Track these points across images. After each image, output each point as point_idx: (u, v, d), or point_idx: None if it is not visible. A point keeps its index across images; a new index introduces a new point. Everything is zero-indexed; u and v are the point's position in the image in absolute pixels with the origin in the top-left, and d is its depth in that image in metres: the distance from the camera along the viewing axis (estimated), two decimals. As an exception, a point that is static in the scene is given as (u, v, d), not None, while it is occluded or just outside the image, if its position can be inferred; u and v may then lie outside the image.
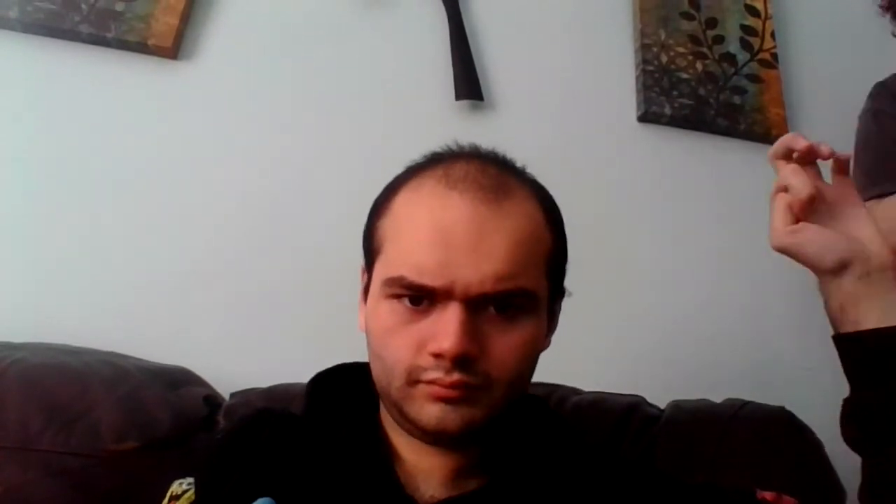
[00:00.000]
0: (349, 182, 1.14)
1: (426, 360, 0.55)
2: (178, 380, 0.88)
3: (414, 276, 0.55)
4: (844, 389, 1.09)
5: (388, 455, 0.62)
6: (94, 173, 1.08)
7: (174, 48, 1.16)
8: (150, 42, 1.13)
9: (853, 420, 0.67)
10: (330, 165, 1.16)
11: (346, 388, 0.66)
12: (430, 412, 0.55)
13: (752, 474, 0.82)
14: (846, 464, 0.86)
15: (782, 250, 0.67)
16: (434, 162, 0.62)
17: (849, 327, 0.66)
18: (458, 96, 1.21)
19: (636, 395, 0.96)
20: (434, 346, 0.54)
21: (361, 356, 0.65)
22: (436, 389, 0.55)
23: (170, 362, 0.91)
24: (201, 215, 1.09)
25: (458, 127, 1.21)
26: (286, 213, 1.11)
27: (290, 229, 1.10)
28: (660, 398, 0.96)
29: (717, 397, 0.95)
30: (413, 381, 0.56)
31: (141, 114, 1.13)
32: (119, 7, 1.14)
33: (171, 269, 1.05)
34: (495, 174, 0.60)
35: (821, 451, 0.87)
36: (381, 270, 0.59)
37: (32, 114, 1.10)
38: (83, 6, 1.13)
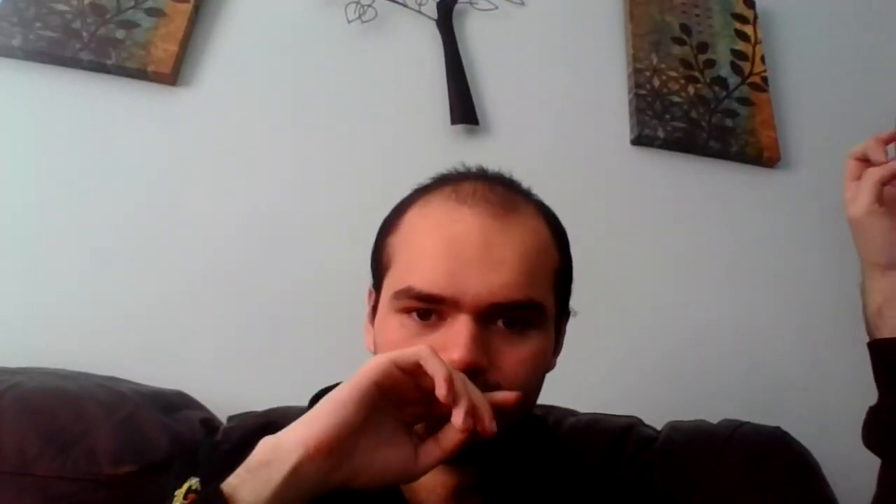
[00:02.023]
0: (348, 205, 1.15)
1: None
2: (175, 403, 0.88)
3: (422, 286, 0.56)
4: (841, 410, 1.09)
5: None
6: (93, 198, 1.08)
7: (173, 74, 1.17)
8: (150, 68, 1.15)
9: (879, 426, 0.67)
10: (328, 189, 1.17)
11: None
12: None
13: (748, 495, 0.82)
14: (842, 484, 0.87)
15: (856, 223, 0.68)
16: (442, 182, 0.64)
17: (885, 332, 0.66)
18: (454, 121, 1.23)
19: (632, 417, 0.96)
20: (444, 358, 0.53)
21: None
22: None
23: (167, 386, 0.91)
24: (199, 239, 1.09)
25: (453, 151, 1.22)
26: (284, 237, 1.12)
27: (288, 252, 1.11)
28: (656, 420, 0.97)
29: (714, 418, 0.95)
30: None
31: (141, 139, 1.14)
32: (119, 35, 1.16)
33: (168, 292, 1.05)
34: (502, 192, 0.61)
35: (817, 471, 0.87)
36: (390, 285, 0.60)
37: (34, 140, 1.11)
38: (84, 34, 1.15)
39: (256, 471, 0.49)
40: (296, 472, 0.48)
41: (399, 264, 0.60)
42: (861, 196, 0.68)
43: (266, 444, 0.50)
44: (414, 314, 0.57)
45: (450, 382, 0.48)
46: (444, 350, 0.54)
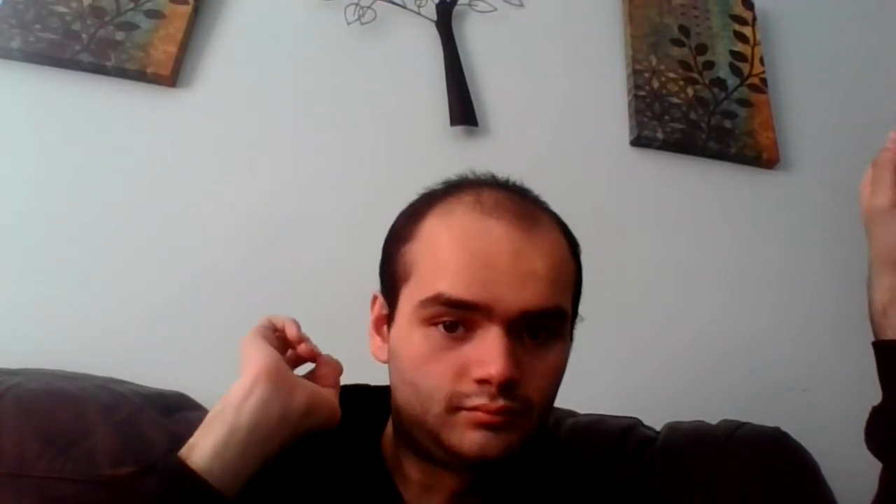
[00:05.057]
0: (348, 206, 1.15)
1: (469, 387, 0.54)
2: (174, 404, 0.88)
3: (454, 293, 0.54)
4: (840, 411, 1.10)
5: (389, 474, 0.63)
6: (92, 199, 1.08)
7: (173, 76, 1.17)
8: (149, 70, 1.15)
9: (884, 427, 0.66)
10: (328, 190, 1.17)
11: (345, 411, 0.66)
12: (471, 439, 0.54)
13: (747, 495, 0.82)
14: (842, 485, 0.87)
15: (879, 215, 0.67)
16: (457, 189, 0.62)
17: (890, 333, 0.65)
18: (453, 122, 1.23)
19: (632, 418, 0.96)
20: (480, 372, 0.54)
21: (352, 380, 0.67)
22: (479, 416, 0.54)
23: (166, 387, 0.91)
24: (199, 239, 1.09)
25: (453, 152, 1.23)
26: (283, 237, 1.12)
27: (288, 253, 1.11)
28: (655, 421, 0.97)
29: (713, 419, 0.95)
30: (454, 408, 0.55)
31: (140, 140, 1.14)
32: (119, 36, 1.16)
33: (167, 292, 1.05)
34: (521, 202, 0.61)
35: (816, 473, 0.87)
36: (413, 294, 0.58)
37: (33, 141, 1.11)
38: (83, 36, 1.15)
39: (210, 423, 0.54)
40: (248, 405, 0.54)
41: (423, 273, 0.58)
42: (882, 187, 0.66)
43: (216, 405, 0.56)
44: (440, 326, 0.56)
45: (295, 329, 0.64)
46: (479, 365, 0.54)
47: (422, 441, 0.59)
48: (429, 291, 0.56)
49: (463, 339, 0.56)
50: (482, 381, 0.54)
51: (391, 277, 0.62)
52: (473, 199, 0.60)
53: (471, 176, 0.65)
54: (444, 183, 0.65)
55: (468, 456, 0.55)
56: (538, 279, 0.56)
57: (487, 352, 0.54)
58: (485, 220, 0.58)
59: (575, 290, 0.62)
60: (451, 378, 0.55)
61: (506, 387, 0.53)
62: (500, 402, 0.54)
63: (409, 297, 0.58)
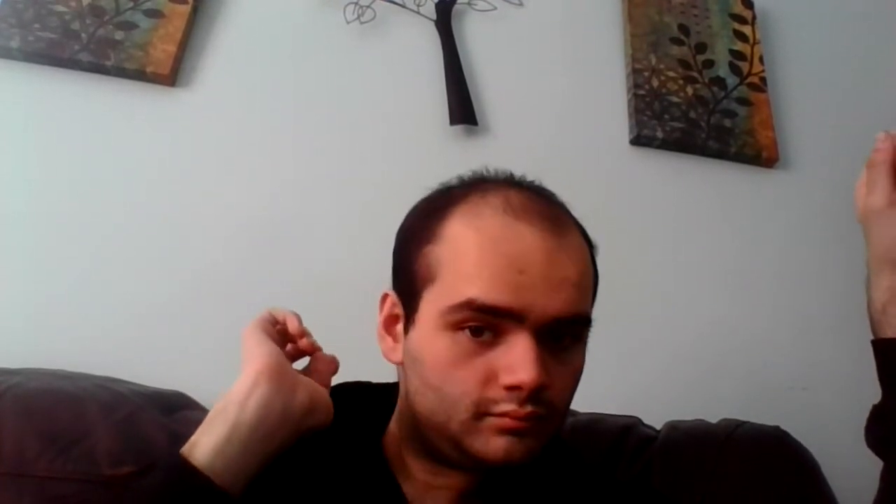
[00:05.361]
0: (348, 206, 1.15)
1: (497, 393, 0.54)
2: (174, 404, 0.88)
3: (487, 299, 0.53)
4: (840, 410, 1.10)
5: (393, 473, 0.63)
6: (92, 198, 1.08)
7: (172, 75, 1.17)
8: (149, 69, 1.15)
9: (884, 424, 0.65)
10: (328, 189, 1.17)
11: (347, 408, 0.66)
12: (497, 445, 0.54)
13: (747, 494, 0.82)
14: (842, 484, 0.87)
15: (876, 215, 0.65)
16: (480, 188, 0.61)
17: (889, 332, 0.65)
18: (453, 121, 1.23)
19: (632, 417, 0.96)
20: (511, 379, 0.53)
21: (353, 378, 0.68)
22: (507, 422, 0.54)
23: (166, 386, 0.91)
24: (199, 239, 1.09)
25: (452, 151, 1.23)
26: (283, 237, 1.12)
27: (288, 252, 1.11)
28: (655, 420, 0.97)
29: (714, 418, 0.95)
30: (481, 414, 0.54)
31: (139, 140, 1.14)
32: (118, 36, 1.16)
33: (167, 292, 1.05)
34: (549, 205, 0.61)
35: (816, 471, 0.87)
36: (440, 298, 0.56)
37: (33, 141, 1.11)
38: (83, 35, 1.15)
39: (212, 420, 0.54)
40: (251, 403, 0.54)
41: (451, 277, 0.56)
42: (877, 187, 0.66)
43: (218, 402, 0.55)
44: (466, 331, 0.55)
45: (296, 323, 0.65)
46: (510, 371, 0.53)
47: (440, 446, 0.58)
48: (459, 297, 0.54)
49: (490, 345, 0.55)
50: (512, 388, 0.53)
51: (409, 279, 0.60)
52: (502, 202, 0.58)
53: (486, 173, 0.64)
54: (459, 180, 0.64)
55: (492, 462, 0.55)
56: (570, 286, 0.56)
57: (518, 358, 0.53)
58: (516, 224, 0.56)
59: (594, 295, 0.63)
60: (479, 384, 0.54)
61: (535, 393, 0.53)
62: (529, 409, 0.53)
63: (434, 301, 0.57)
